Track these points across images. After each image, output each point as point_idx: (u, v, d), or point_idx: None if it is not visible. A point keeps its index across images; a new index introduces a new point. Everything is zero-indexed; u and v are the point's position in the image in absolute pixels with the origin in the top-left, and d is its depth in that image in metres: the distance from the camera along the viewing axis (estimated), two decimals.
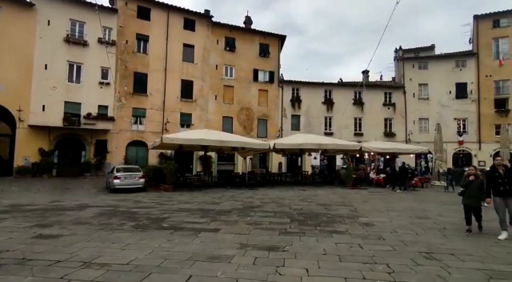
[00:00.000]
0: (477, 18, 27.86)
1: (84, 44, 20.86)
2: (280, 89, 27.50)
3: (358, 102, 28.50)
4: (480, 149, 26.80)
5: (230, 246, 5.30)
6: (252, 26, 28.16)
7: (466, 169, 16.55)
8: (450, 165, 24.21)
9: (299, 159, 25.99)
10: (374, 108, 28.61)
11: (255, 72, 26.81)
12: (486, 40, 27.45)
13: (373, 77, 36.95)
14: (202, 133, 15.26)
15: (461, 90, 27.98)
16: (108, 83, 21.17)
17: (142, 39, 23.12)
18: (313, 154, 23.44)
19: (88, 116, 20.42)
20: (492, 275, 4.10)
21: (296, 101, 27.62)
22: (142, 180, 13.71)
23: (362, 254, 4.94)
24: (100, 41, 20.79)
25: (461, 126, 27.87)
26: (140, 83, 22.66)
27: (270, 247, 5.27)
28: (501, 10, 27.18)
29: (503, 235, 5.88)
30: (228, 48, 26.05)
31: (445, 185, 16.87)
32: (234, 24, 26.45)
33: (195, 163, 23.78)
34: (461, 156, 27.46)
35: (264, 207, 9.64)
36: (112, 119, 21.32)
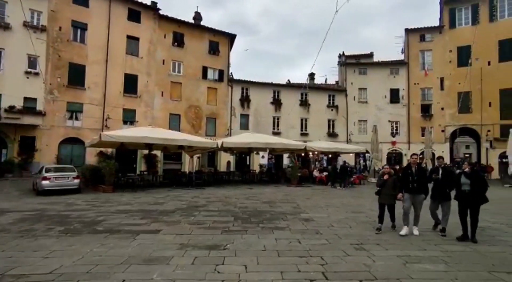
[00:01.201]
0: (407, 31, 30.97)
1: (6, 27, 18.31)
2: (229, 88, 27.46)
3: (305, 103, 29.76)
4: (409, 148, 29.81)
5: (170, 247, 5.15)
6: (202, 23, 27.65)
7: (397, 167, 18.30)
8: (384, 163, 26.59)
9: (248, 157, 26.28)
10: (319, 110, 30.13)
11: (204, 69, 26.38)
12: (415, 51, 30.67)
13: (319, 80, 38.98)
14: (147, 131, 14.56)
15: (394, 96, 30.88)
16: (36, 73, 18.84)
17: (79, 27, 21.16)
18: (261, 153, 23.91)
19: (11, 109, 17.93)
20: (408, 260, 4.61)
21: (245, 100, 27.84)
22: (76, 181, 12.60)
23: (299, 248, 5.17)
24: (26, 25, 18.29)
25: (394, 128, 30.77)
26: (76, 75, 20.71)
27: (211, 246, 5.23)
28: (426, 26, 30.64)
29: (404, 231, 5.99)
30: (176, 43, 25.21)
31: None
32: (183, 19, 25.70)
33: (139, 162, 22.58)
34: (394, 155, 30.32)
35: (209, 206, 9.54)
36: (41, 113, 19.10)
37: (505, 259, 4.78)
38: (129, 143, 14.74)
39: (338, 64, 35.63)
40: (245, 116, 27.92)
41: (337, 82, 35.81)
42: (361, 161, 29.90)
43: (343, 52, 35.45)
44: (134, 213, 8.17)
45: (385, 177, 6.54)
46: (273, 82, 29.62)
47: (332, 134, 30.05)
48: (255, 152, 22.16)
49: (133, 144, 15.48)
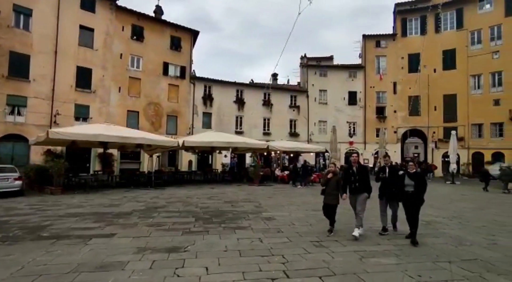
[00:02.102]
0: (365, 37, 32.71)
1: None
2: (191, 85, 26.82)
3: (267, 103, 30.07)
4: (365, 148, 31.55)
5: (126, 251, 4.86)
6: (163, 17, 26.68)
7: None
8: (342, 163, 27.78)
9: (210, 157, 25.92)
10: (281, 110, 30.64)
11: (165, 65, 25.46)
12: (371, 57, 32.48)
13: (281, 81, 39.68)
14: (102, 128, 13.66)
15: (352, 98, 32.42)
16: None
17: (22, 12, 19.17)
18: (224, 152, 23.69)
19: None
20: (364, 255, 4.83)
21: (208, 99, 27.40)
22: (18, 182, 11.45)
23: (261, 247, 5.17)
24: None
25: (352, 128, 32.32)
26: (18, 66, 18.74)
27: (171, 248, 5.04)
28: (381, 33, 32.61)
29: (356, 232, 5.79)
30: (135, 37, 24.01)
31: None
32: (143, 12, 24.52)
33: (93, 162, 21.15)
34: (351, 154, 31.83)
35: (169, 207, 9.22)
36: None
37: (447, 250, 5.22)
38: (81, 141, 13.72)
39: (300, 66, 36.54)
40: (207, 115, 27.47)
41: (299, 83, 36.72)
42: (321, 160, 30.95)
43: (305, 54, 36.50)
44: (86, 216, 7.62)
45: (329, 175, 6.25)
46: (237, 81, 29.52)
47: (293, 134, 30.73)
48: (217, 151, 21.89)
49: (87, 142, 14.44)
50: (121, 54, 23.20)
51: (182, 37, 26.63)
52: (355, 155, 6.43)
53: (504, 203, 11.78)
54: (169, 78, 25.65)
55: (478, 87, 28.00)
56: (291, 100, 31.52)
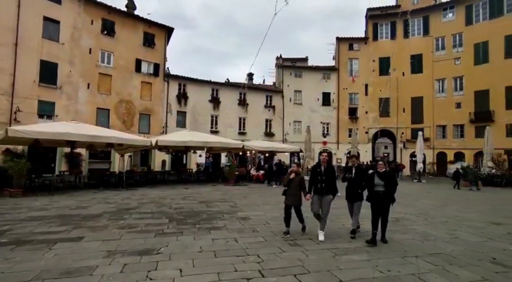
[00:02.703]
0: (338, 40, 33.60)
1: None
2: (165, 83, 26.20)
3: (243, 103, 30.04)
4: (338, 148, 32.43)
5: (95, 255, 4.64)
6: (136, 12, 25.83)
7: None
8: (316, 162, 28.36)
9: (185, 156, 25.46)
10: (257, 110, 30.73)
11: (138, 62, 24.66)
12: (344, 59, 33.42)
13: (257, 81, 39.84)
14: (69, 127, 12.94)
15: (326, 99, 33.19)
16: None
17: None
18: (199, 152, 23.37)
19: None
20: (337, 252, 4.94)
21: (182, 97, 26.89)
22: None
23: (236, 247, 5.14)
24: None
25: (325, 129, 33.09)
26: None
27: (143, 251, 4.88)
28: (354, 37, 33.66)
29: (321, 236, 5.62)
30: (106, 31, 23.02)
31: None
32: (113, 6, 23.57)
33: (59, 162, 20.04)
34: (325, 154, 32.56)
35: (142, 208, 8.93)
36: None
37: (414, 245, 5.47)
38: (46, 140, 12.95)
39: (275, 66, 36.85)
40: (182, 114, 26.96)
41: (274, 83, 37.03)
42: (296, 160, 31.39)
43: (280, 54, 36.87)
44: (51, 219, 7.19)
45: (292, 176, 6.00)
46: (212, 80, 29.23)
47: (269, 134, 30.93)
48: (192, 151, 21.54)
49: (52, 141, 13.65)
50: (90, 49, 22.17)
51: (156, 33, 25.93)
52: (325, 154, 6.14)
53: (465, 200, 12.58)
54: (142, 75, 24.87)
55: (442, 91, 29.70)
56: (267, 100, 31.71)
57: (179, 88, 27.07)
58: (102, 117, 22.39)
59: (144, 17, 25.23)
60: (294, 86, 32.70)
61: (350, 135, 31.04)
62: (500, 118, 25.55)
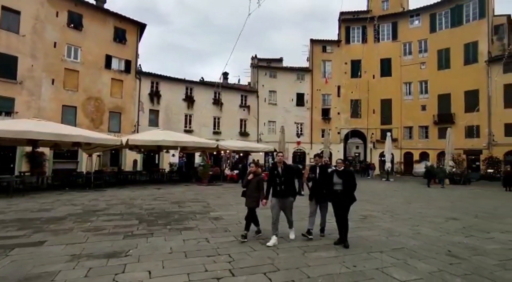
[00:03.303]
0: (312, 41, 34.29)
1: None
2: (137, 81, 25.41)
3: (218, 102, 29.83)
4: (311, 148, 33.09)
5: (57, 260, 4.42)
6: (106, 6, 24.81)
7: (300, 166, 19.93)
8: (290, 162, 28.78)
9: (157, 156, 24.84)
10: (231, 109, 30.63)
11: (108, 58, 23.71)
12: (318, 61, 34.17)
13: (232, 80, 39.71)
14: (31, 125, 12.19)
15: (300, 99, 33.76)
16: None
17: None
18: (172, 151, 22.93)
19: None
20: (307, 249, 5.07)
21: (155, 95, 26.21)
22: None
23: (208, 247, 5.12)
24: None
25: (299, 129, 33.66)
26: None
27: (110, 253, 4.73)
28: (328, 39, 34.50)
29: (272, 241, 5.27)
30: (72, 25, 21.91)
31: None
32: None
33: (19, 162, 18.80)
34: (298, 154, 33.14)
35: (110, 210, 8.63)
36: None
37: (379, 241, 5.73)
38: (4, 138, 12.12)
39: (251, 66, 36.91)
40: (154, 112, 26.29)
41: (249, 83, 37.08)
42: (270, 160, 31.68)
43: (255, 54, 36.96)
44: (8, 223, 6.76)
45: (250, 176, 5.71)
46: (186, 79, 28.72)
47: (243, 134, 30.96)
48: (165, 150, 21.08)
49: (11, 140, 12.80)
50: (55, 43, 21.01)
51: (128, 29, 25.07)
52: (281, 154, 5.74)
53: (428, 198, 13.32)
54: (112, 72, 23.95)
55: (409, 94, 31.23)
56: (242, 100, 31.71)
57: (152, 86, 26.37)
58: (69, 115, 21.30)
59: (115, 11, 24.30)
60: (269, 86, 32.96)
61: (323, 136, 31.72)
62: (460, 121, 27.30)
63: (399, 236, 6.16)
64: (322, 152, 27.04)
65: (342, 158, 32.32)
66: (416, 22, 31.36)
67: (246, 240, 5.44)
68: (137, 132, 23.38)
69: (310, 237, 5.65)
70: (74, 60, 22.03)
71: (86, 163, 16.53)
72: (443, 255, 4.94)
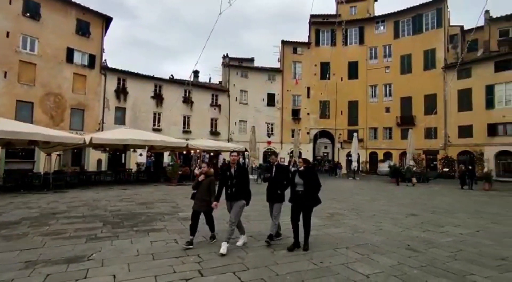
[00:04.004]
0: (283, 43, 34.78)
1: None
2: (102, 76, 24.25)
3: (188, 100, 29.31)
4: (282, 148, 33.58)
5: (10, 267, 4.10)
6: None
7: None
8: (261, 161, 28.99)
9: (123, 155, 23.85)
10: (202, 108, 30.24)
11: (70, 52, 22.38)
12: (288, 62, 34.73)
13: (203, 78, 39.18)
14: None
15: (271, 99, 34.13)
16: None
17: None
18: (139, 150, 22.17)
19: None
20: (275, 248, 5.13)
21: (122, 92, 25.17)
22: None
23: (176, 248, 5.02)
24: None
25: (270, 129, 34.02)
26: None
27: (71, 258, 4.47)
28: (298, 41, 35.18)
29: (241, 241, 5.18)
30: (28, 14, 20.41)
31: (256, 177, 20.11)
32: None
33: None
34: (269, 153, 33.39)
35: (72, 212, 8.16)
36: None
37: (345, 237, 5.95)
38: None
39: (222, 65, 36.70)
40: (121, 110, 25.25)
41: (220, 82, 36.85)
42: (241, 159, 31.69)
43: (227, 53, 36.85)
44: None
45: (201, 177, 5.25)
46: (155, 76, 27.91)
47: (214, 133, 30.69)
48: (132, 149, 20.33)
49: None
50: (7, 33, 19.44)
51: (92, 21, 23.83)
52: (235, 153, 5.30)
53: (391, 195, 14.06)
54: (74, 66, 22.66)
55: (375, 96, 32.73)
56: (213, 99, 31.41)
57: (118, 83, 25.30)
58: (24, 111, 19.84)
59: (77, 2, 22.98)
60: (240, 86, 32.96)
61: (293, 135, 32.34)
62: (420, 122, 29.09)
63: (364, 232, 6.44)
64: (292, 152, 27.55)
65: (310, 157, 33.18)
66: (382, 28, 32.94)
67: (192, 246, 4.99)
68: (102, 130, 22.34)
69: (276, 239, 5.43)
70: (31, 52, 20.55)
71: (44, 163, 15.45)
72: (403, 249, 5.24)
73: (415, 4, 30.33)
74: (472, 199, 13.03)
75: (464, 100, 26.53)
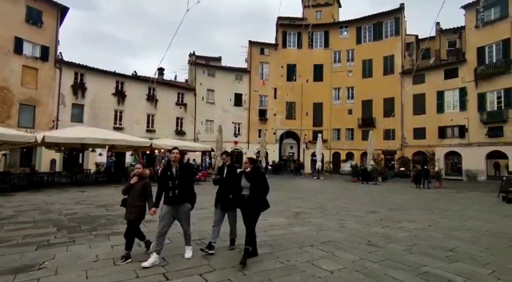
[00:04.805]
0: (251, 43, 34.90)
1: None
2: (57, 70, 22.59)
3: (152, 98, 28.31)
4: (248, 148, 33.65)
5: None
6: None
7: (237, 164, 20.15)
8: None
9: (81, 155, 22.44)
10: (167, 107, 29.38)
11: (19, 42, 20.54)
12: (256, 62, 34.92)
13: (168, 76, 38.11)
14: None
15: (238, 99, 34.07)
16: None
17: None
18: (98, 150, 21.01)
19: None
20: (242, 248, 5.10)
21: (79, 88, 23.64)
22: None
23: (140, 252, 4.80)
24: None
25: (237, 129, 33.94)
26: None
27: (19, 268, 4.09)
28: (266, 42, 35.51)
29: (151, 260, 4.19)
30: None
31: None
32: None
33: None
34: (236, 153, 33.32)
35: (20, 217, 7.49)
36: None
37: (310, 235, 6.10)
38: None
39: (188, 63, 35.94)
40: (78, 107, 23.71)
41: (186, 80, 36.05)
42: (207, 159, 31.29)
43: (193, 52, 36.12)
44: None
45: (133, 180, 4.51)
46: (117, 72, 26.59)
47: (180, 132, 29.97)
48: (90, 149, 19.17)
49: None
50: None
51: (44, 10, 22.10)
52: (176, 150, 4.58)
53: (353, 194, 14.67)
54: (24, 58, 20.87)
55: (338, 98, 34.01)
56: (178, 97, 30.66)
57: (76, 78, 23.74)
58: None
59: None
60: (207, 85, 32.52)
61: (259, 136, 32.57)
62: (379, 124, 30.75)
63: (328, 230, 6.64)
64: (259, 152, 27.75)
65: (276, 157, 33.66)
66: (345, 33, 34.34)
67: (130, 260, 4.34)
68: (57, 128, 20.84)
69: (210, 252, 4.68)
70: None
71: None
72: (364, 245, 5.49)
73: (375, 12, 32.11)
74: (425, 196, 14.03)
75: (419, 104, 28.53)
